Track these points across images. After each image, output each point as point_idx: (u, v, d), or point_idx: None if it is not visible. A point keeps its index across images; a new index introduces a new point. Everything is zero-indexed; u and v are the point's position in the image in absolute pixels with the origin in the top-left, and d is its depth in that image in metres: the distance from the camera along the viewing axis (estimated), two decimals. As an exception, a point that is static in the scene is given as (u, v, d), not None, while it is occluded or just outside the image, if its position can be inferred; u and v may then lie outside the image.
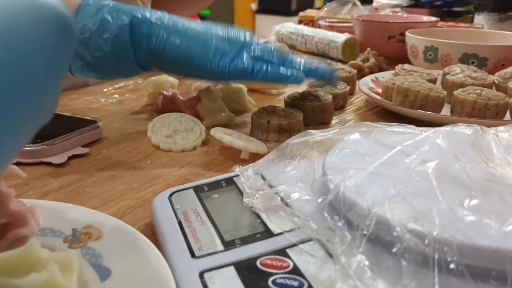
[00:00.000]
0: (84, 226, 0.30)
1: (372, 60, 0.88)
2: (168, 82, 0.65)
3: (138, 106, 0.66)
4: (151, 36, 0.47)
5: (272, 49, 0.50)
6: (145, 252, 0.27)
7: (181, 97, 0.61)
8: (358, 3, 1.38)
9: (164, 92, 0.61)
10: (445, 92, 0.58)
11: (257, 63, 0.47)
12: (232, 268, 0.25)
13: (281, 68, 0.48)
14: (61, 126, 0.48)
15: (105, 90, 0.75)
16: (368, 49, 0.92)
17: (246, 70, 0.47)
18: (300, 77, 0.48)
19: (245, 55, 0.48)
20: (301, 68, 0.50)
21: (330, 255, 0.25)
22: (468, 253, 0.22)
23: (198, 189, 0.35)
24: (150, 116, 0.60)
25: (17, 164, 0.40)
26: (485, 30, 1.08)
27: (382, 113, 0.63)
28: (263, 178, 0.34)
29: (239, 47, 0.48)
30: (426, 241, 0.23)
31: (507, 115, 0.55)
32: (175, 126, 0.51)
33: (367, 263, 0.23)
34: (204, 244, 0.28)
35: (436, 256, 0.22)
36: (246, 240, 0.28)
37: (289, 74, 0.48)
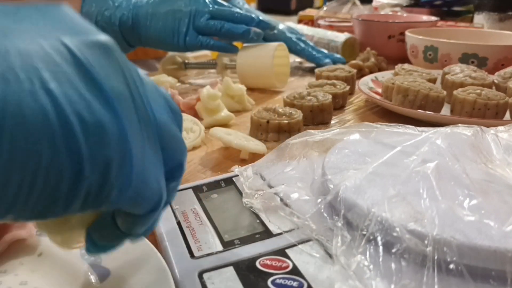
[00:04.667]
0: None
1: (372, 59, 0.87)
2: (167, 82, 0.65)
3: (138, 105, 0.66)
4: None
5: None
6: (144, 252, 0.27)
7: (180, 97, 0.61)
8: (358, 2, 1.38)
9: (164, 91, 0.61)
10: (445, 92, 0.58)
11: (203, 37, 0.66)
12: (231, 268, 0.25)
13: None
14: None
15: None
16: (368, 48, 0.92)
17: (197, 44, 0.66)
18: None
19: (192, 31, 0.66)
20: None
21: (330, 255, 0.25)
22: (468, 253, 0.22)
23: (197, 189, 0.35)
24: (150, 116, 0.59)
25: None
26: (485, 29, 1.08)
27: (382, 113, 0.63)
28: (263, 178, 0.34)
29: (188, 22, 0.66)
30: (426, 241, 0.23)
31: (507, 115, 0.55)
32: (174, 126, 0.51)
33: (366, 263, 0.23)
34: (203, 244, 0.28)
35: (436, 256, 0.22)
36: (246, 240, 0.28)
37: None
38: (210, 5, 0.66)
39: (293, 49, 0.84)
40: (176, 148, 0.21)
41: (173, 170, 0.21)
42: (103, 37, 0.18)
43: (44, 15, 0.17)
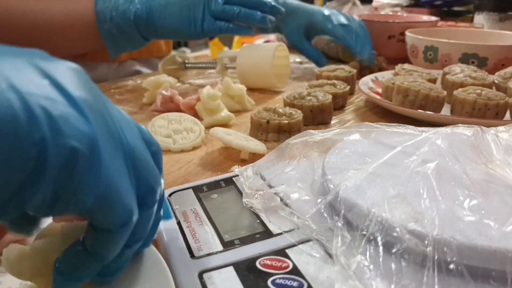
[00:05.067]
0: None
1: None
2: (167, 82, 0.65)
3: (137, 106, 0.66)
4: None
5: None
6: (144, 252, 0.27)
7: (180, 97, 0.61)
8: (358, 2, 1.38)
9: (163, 92, 0.61)
10: (445, 92, 0.57)
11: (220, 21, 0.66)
12: (231, 268, 0.25)
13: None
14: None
15: (104, 90, 0.75)
16: (368, 48, 0.92)
17: (216, 29, 0.66)
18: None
19: (208, 17, 0.65)
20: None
21: (330, 256, 0.25)
22: (468, 254, 0.22)
23: (197, 189, 0.35)
24: (149, 116, 0.60)
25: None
26: (485, 30, 1.08)
27: (382, 113, 0.63)
28: (263, 178, 0.34)
29: (203, 8, 0.65)
30: (426, 242, 0.23)
31: (507, 115, 0.55)
32: (174, 126, 0.51)
33: (366, 263, 0.23)
34: (204, 244, 0.28)
35: (436, 257, 0.22)
36: (246, 240, 0.28)
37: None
38: None
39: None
40: (148, 174, 0.22)
41: (145, 196, 0.22)
42: (73, 64, 0.20)
43: (20, 50, 0.19)
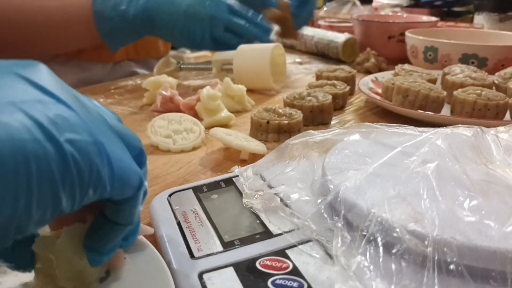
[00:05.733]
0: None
1: (372, 60, 0.88)
2: (167, 82, 0.65)
3: (137, 106, 0.66)
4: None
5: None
6: (144, 252, 0.27)
7: (180, 97, 0.61)
8: (358, 3, 1.38)
9: (163, 92, 0.61)
10: (445, 92, 0.58)
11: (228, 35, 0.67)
12: (231, 269, 0.25)
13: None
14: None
15: (104, 90, 0.75)
16: (368, 49, 0.92)
17: (216, 48, 0.69)
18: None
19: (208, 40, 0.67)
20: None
21: (330, 256, 0.25)
22: (468, 254, 0.22)
23: (197, 190, 0.35)
24: (149, 116, 0.60)
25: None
26: (485, 30, 1.08)
27: (382, 113, 0.63)
28: (263, 179, 0.34)
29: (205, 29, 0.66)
30: (426, 242, 0.23)
31: (507, 115, 0.55)
32: (174, 126, 0.51)
33: (366, 264, 0.23)
34: (203, 244, 0.28)
35: (436, 257, 0.22)
36: (246, 240, 0.28)
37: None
38: (226, 16, 0.66)
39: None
40: (131, 137, 0.23)
41: (137, 157, 0.23)
42: (42, 64, 0.20)
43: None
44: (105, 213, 0.23)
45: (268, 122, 0.51)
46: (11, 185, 0.16)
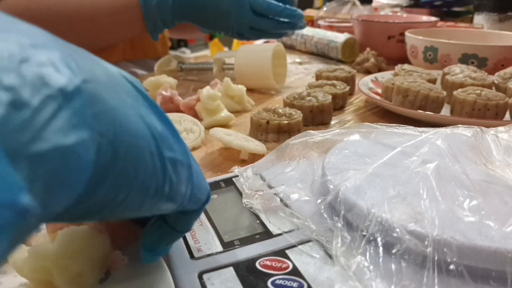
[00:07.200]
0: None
1: (372, 60, 0.88)
2: (167, 83, 0.65)
3: (138, 106, 0.66)
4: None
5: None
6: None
7: (180, 97, 0.61)
8: (358, 3, 1.38)
9: (163, 92, 0.61)
10: (444, 92, 0.57)
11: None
12: (231, 269, 0.25)
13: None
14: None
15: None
16: (368, 49, 0.92)
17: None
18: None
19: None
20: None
21: (330, 256, 0.25)
22: (468, 254, 0.22)
23: (197, 190, 0.35)
24: (149, 116, 0.59)
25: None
26: (485, 30, 1.08)
27: (381, 113, 0.63)
28: (263, 179, 0.34)
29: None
30: (426, 242, 0.23)
31: (507, 116, 0.55)
32: (174, 127, 0.51)
33: (366, 264, 0.23)
34: (203, 245, 0.28)
35: (436, 257, 0.22)
36: (245, 241, 0.28)
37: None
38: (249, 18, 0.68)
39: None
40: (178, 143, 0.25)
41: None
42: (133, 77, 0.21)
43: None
44: (166, 219, 0.24)
45: (268, 122, 0.51)
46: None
